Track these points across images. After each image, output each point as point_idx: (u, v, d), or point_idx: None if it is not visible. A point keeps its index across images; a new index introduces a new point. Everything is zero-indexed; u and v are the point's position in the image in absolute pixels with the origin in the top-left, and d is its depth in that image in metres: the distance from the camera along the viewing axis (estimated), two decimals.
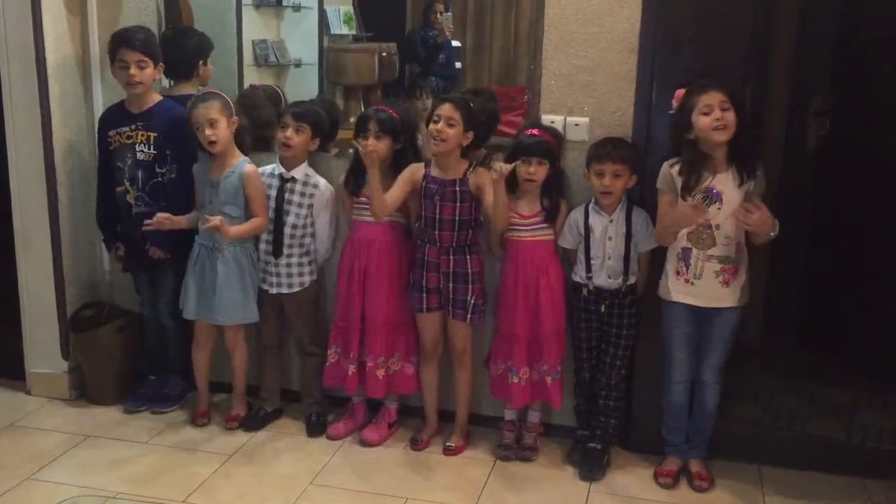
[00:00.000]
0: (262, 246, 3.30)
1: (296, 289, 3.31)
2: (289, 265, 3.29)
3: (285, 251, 3.27)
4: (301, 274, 3.31)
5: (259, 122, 3.47)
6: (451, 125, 2.97)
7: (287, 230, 3.26)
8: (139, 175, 3.34)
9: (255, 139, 3.38)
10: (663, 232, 2.92)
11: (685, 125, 2.80)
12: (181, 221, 3.22)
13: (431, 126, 2.98)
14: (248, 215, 3.23)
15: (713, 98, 2.74)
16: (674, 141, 2.89)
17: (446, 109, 2.97)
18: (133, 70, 3.23)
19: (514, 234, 3.09)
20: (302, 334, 3.42)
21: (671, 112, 2.88)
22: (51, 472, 3.05)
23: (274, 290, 3.31)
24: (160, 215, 3.17)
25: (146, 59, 3.25)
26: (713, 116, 2.73)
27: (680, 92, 2.84)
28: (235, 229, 3.17)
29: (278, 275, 3.29)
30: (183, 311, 3.36)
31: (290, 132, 3.19)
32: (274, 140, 3.37)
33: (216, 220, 3.09)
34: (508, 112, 3.73)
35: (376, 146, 3.03)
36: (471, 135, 3.01)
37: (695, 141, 2.81)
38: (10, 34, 3.36)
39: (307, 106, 3.31)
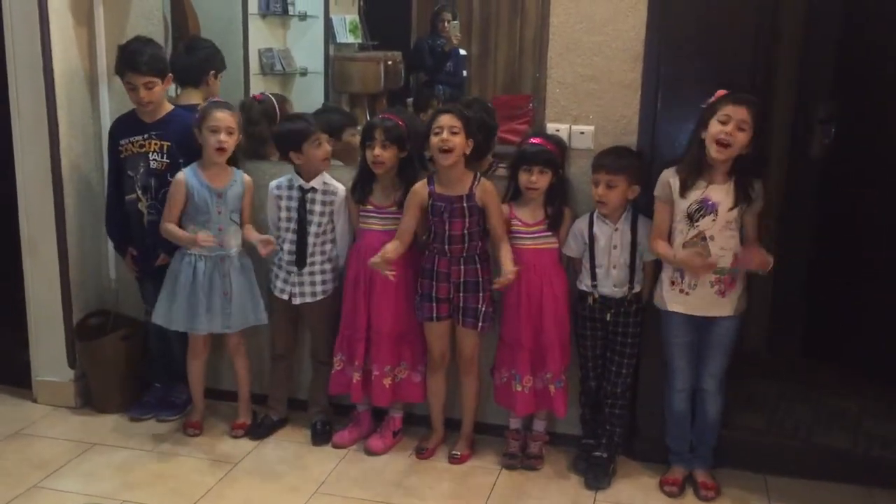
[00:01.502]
0: (285, 257, 3.28)
1: (319, 297, 3.29)
2: (311, 273, 3.27)
3: (308, 260, 3.26)
4: (324, 282, 3.29)
5: (255, 139, 3.49)
6: (454, 133, 2.96)
7: (310, 239, 3.24)
8: (152, 184, 3.35)
9: (248, 156, 3.43)
10: (656, 251, 2.94)
11: (704, 123, 2.79)
12: (184, 239, 3.22)
13: (434, 139, 2.97)
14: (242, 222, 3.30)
15: (736, 112, 2.71)
16: (692, 136, 2.87)
17: (446, 119, 2.97)
18: (142, 93, 3.25)
19: (518, 241, 3.08)
20: (318, 343, 3.41)
21: (703, 106, 2.84)
22: (57, 480, 3.06)
23: (298, 301, 3.28)
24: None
25: (153, 79, 3.25)
26: (722, 129, 2.72)
27: (721, 92, 2.80)
28: (254, 236, 3.23)
29: (301, 284, 3.27)
30: (195, 329, 3.30)
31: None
32: (266, 154, 3.46)
33: (270, 244, 3.16)
34: (513, 120, 3.73)
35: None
36: (471, 142, 3.01)
37: (703, 142, 2.80)
38: (17, 44, 3.37)
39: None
